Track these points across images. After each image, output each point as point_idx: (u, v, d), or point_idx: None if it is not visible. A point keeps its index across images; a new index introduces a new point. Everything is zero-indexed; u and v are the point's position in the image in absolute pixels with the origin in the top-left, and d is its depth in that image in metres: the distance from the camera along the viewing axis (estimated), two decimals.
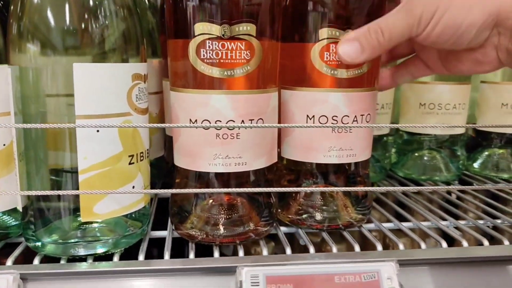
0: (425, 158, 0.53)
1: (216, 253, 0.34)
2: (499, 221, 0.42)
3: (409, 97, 0.52)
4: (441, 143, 0.53)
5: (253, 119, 0.33)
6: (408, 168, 0.54)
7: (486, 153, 0.57)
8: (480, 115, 0.56)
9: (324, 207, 0.38)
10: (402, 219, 0.42)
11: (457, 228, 0.41)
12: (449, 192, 0.52)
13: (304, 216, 0.38)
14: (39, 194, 0.30)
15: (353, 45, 0.31)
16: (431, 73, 0.38)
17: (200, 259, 0.32)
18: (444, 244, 0.36)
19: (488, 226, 0.41)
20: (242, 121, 0.33)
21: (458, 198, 0.50)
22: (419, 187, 0.37)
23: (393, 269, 0.31)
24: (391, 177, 0.56)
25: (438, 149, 0.53)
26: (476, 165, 0.57)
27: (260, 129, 0.34)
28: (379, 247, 0.35)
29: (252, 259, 0.32)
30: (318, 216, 0.38)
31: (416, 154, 0.54)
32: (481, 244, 0.37)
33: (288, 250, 0.34)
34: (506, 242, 0.36)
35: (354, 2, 0.34)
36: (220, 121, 0.32)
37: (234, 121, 0.32)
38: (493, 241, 0.37)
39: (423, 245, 0.36)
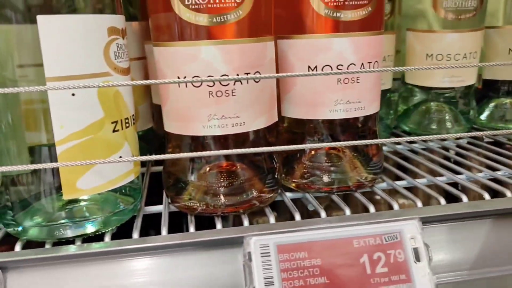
0: (434, 112, 0.50)
1: (219, 225, 0.30)
2: (499, 173, 0.39)
3: (415, 47, 0.48)
4: (452, 96, 0.49)
5: (250, 73, 0.29)
6: (416, 123, 0.51)
7: (493, 104, 0.54)
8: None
9: (332, 168, 0.35)
10: (412, 176, 0.39)
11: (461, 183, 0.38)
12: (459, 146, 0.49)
13: (311, 179, 0.35)
14: (9, 169, 0.26)
15: None
16: None
17: (202, 232, 0.29)
18: (465, 198, 0.33)
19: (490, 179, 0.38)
20: (238, 75, 0.29)
21: (459, 154, 0.47)
22: (416, 138, 0.33)
23: (416, 228, 0.28)
24: (397, 136, 0.52)
25: (449, 102, 0.50)
26: (483, 117, 0.54)
27: (258, 84, 0.30)
28: (396, 206, 0.32)
29: (259, 227, 0.28)
30: (326, 178, 0.35)
31: (424, 107, 0.50)
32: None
33: (298, 216, 0.31)
34: (509, 194, 0.34)
35: None
36: (213, 77, 0.29)
37: (228, 76, 0.29)
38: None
39: (442, 201, 0.33)
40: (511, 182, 0.37)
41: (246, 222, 0.30)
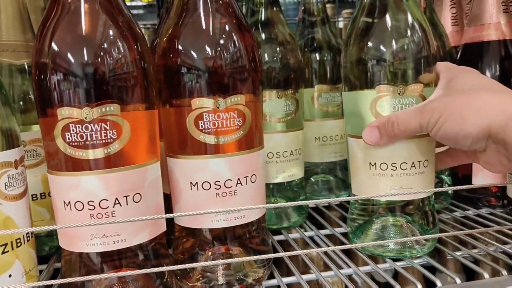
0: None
1: None
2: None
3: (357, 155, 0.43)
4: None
5: (129, 195, 0.33)
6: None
7: None
8: None
9: (223, 271, 0.38)
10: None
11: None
12: None
13: (203, 281, 0.38)
14: None
15: (373, 131, 0.39)
16: (468, 160, 0.41)
17: None
18: None
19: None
20: (116, 198, 0.33)
21: None
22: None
23: None
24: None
25: None
26: None
27: (137, 204, 0.34)
28: None
29: None
30: (220, 280, 0.38)
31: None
32: None
33: None
34: None
35: (222, 72, 0.35)
36: (93, 201, 0.32)
37: (107, 200, 0.32)
38: None
39: None
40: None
41: None
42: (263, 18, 0.52)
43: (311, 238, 0.51)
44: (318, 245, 0.48)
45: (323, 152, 0.62)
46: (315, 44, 0.61)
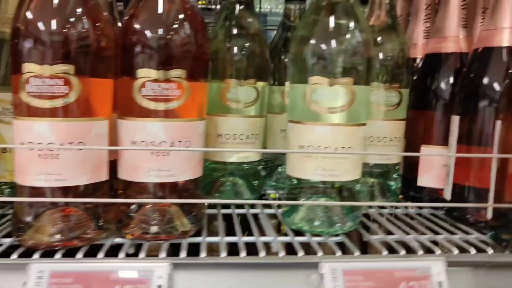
0: None
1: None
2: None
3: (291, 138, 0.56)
4: None
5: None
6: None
7: None
8: None
9: (154, 221, 0.44)
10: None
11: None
12: None
13: (136, 229, 0.44)
14: None
15: None
16: None
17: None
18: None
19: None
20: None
21: None
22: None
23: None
24: None
25: None
26: None
27: (81, 151, 0.40)
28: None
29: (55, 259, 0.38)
30: (153, 229, 0.44)
31: None
32: None
33: (101, 254, 0.40)
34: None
35: (164, 47, 0.41)
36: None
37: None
38: None
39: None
40: None
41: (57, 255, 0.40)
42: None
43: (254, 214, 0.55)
44: (259, 220, 0.53)
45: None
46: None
